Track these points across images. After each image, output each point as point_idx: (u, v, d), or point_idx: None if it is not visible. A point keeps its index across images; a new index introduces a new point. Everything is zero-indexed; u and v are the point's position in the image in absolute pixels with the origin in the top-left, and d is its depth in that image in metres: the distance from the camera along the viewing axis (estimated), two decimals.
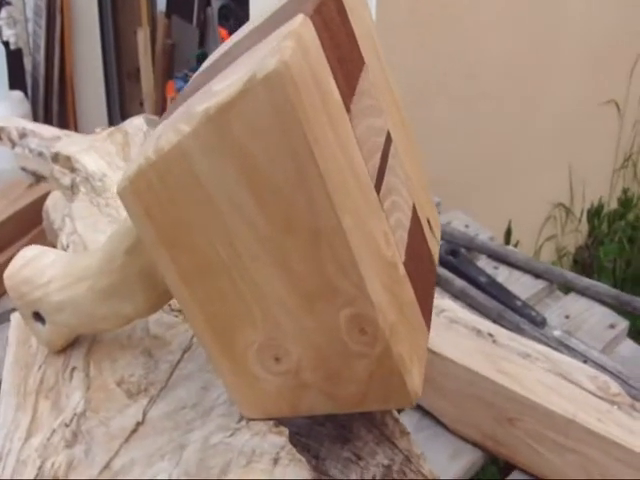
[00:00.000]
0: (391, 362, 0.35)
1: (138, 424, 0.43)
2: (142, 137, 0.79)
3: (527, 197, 1.82)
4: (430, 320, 0.40)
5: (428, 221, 0.45)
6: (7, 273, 0.48)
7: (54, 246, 0.76)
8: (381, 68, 0.42)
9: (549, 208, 1.93)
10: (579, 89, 1.72)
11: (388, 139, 0.39)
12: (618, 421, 0.75)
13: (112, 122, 2.24)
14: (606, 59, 1.73)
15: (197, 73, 0.44)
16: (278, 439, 0.39)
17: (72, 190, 0.76)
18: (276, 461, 0.38)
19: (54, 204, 0.79)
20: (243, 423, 0.41)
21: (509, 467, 0.81)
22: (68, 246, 0.64)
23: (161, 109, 2.49)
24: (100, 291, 0.44)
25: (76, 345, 0.51)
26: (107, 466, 0.41)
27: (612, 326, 1.07)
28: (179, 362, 0.46)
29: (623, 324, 1.08)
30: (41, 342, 0.50)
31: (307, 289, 0.33)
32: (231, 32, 2.03)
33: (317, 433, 0.43)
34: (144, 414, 0.43)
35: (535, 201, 1.88)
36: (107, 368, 0.48)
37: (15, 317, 0.57)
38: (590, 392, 0.78)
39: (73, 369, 0.49)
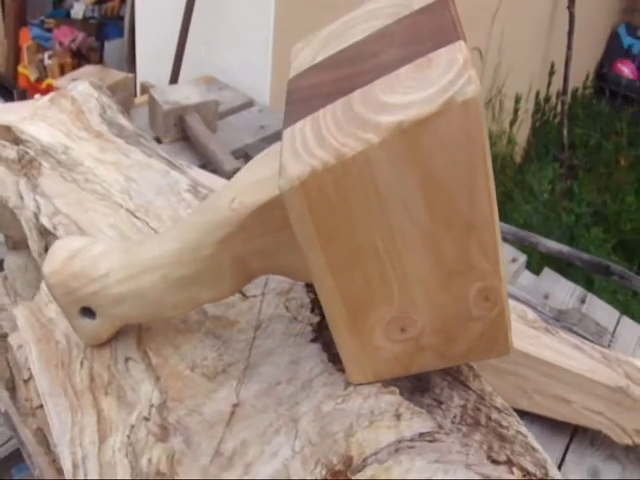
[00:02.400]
0: (502, 322, 0.38)
1: (235, 406, 0.41)
2: (95, 104, 0.72)
3: None
4: None
5: None
6: (49, 269, 0.43)
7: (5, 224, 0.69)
8: None
9: None
10: None
11: None
12: (546, 344, 0.84)
13: None
14: (471, 9, 1.81)
15: (310, 63, 0.40)
16: (392, 397, 0.40)
17: (21, 164, 0.68)
18: (398, 416, 0.39)
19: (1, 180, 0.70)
20: (351, 389, 0.41)
21: None
22: (56, 228, 0.58)
23: (14, 59, 2.23)
24: (177, 280, 0.41)
25: (120, 336, 0.47)
26: (218, 452, 0.39)
27: (514, 260, 1.17)
28: (254, 340, 0.45)
29: (522, 258, 1.19)
30: (84, 337, 0.46)
31: (449, 269, 0.36)
32: None
33: (397, 387, 0.44)
34: (237, 395, 0.42)
35: None
36: (172, 355, 0.45)
37: (23, 316, 0.51)
38: (514, 320, 0.86)
39: (127, 360, 0.46)
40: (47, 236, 0.59)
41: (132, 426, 0.42)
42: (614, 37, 3.43)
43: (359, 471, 0.37)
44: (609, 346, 1.03)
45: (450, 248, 0.35)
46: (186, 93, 1.19)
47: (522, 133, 2.61)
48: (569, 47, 2.19)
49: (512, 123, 2.45)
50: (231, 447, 0.40)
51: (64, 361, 0.47)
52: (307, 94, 0.36)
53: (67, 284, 0.43)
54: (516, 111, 2.44)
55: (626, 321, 1.09)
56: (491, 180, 0.33)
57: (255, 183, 0.39)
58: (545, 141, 2.75)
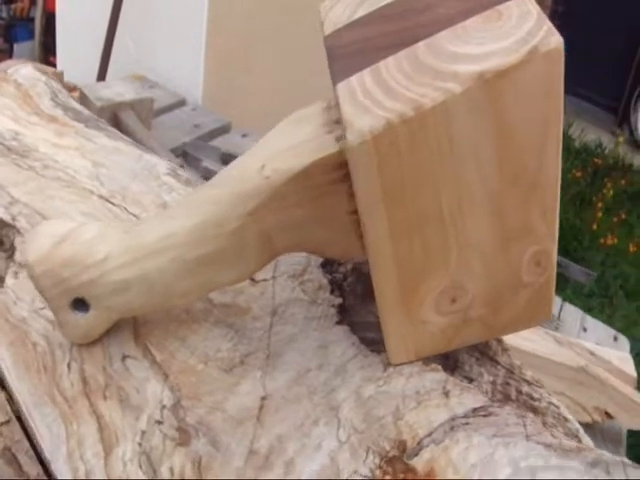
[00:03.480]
0: (548, 288, 0.37)
1: (263, 399, 0.36)
2: (44, 88, 0.64)
3: None
4: None
5: None
6: (34, 257, 0.36)
7: None
8: None
9: None
10: None
11: None
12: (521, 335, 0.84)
13: None
14: None
15: (350, 19, 0.36)
16: (436, 375, 0.37)
17: None
18: (447, 394, 0.36)
19: None
20: (391, 370, 0.37)
21: None
22: (15, 219, 0.50)
23: None
24: (192, 262, 0.35)
25: (111, 333, 0.40)
26: (252, 452, 0.34)
27: None
28: (272, 327, 0.39)
29: None
30: (73, 335, 0.39)
31: (508, 232, 0.33)
32: None
33: None
34: (264, 387, 0.36)
35: None
36: (178, 349, 0.39)
37: None
38: None
39: (124, 358, 0.39)
40: (3, 228, 0.51)
41: (143, 432, 0.36)
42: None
43: (415, 455, 0.33)
44: (557, 330, 1.05)
45: (513, 209, 0.33)
46: (118, 90, 1.11)
47: None
48: None
49: None
50: (266, 444, 0.34)
51: (46, 365, 0.40)
52: (356, 48, 0.33)
53: (57, 273, 0.36)
54: None
55: (568, 307, 1.11)
56: (560, 138, 0.31)
57: (289, 148, 0.34)
58: None
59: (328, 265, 0.43)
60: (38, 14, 1.94)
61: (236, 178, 0.34)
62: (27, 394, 0.39)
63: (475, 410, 0.36)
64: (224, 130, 1.30)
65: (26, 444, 0.47)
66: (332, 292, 0.41)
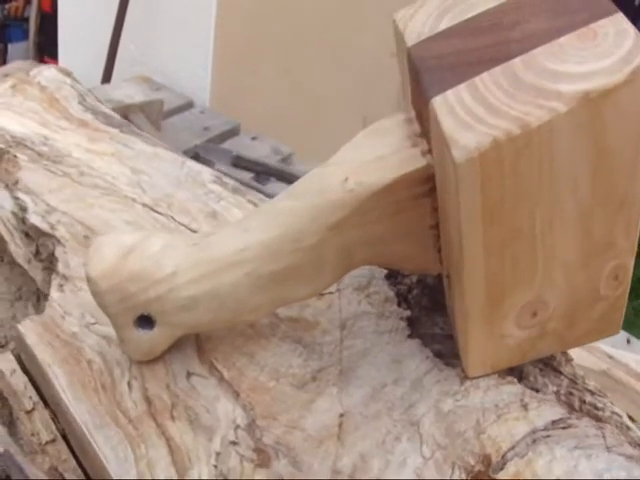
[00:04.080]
0: (622, 301, 0.36)
1: (342, 416, 0.34)
2: (71, 91, 0.61)
3: (327, 144, 1.85)
4: None
5: None
6: (98, 271, 0.33)
7: None
8: None
9: None
10: (373, 43, 1.78)
11: None
12: None
13: None
14: (393, 12, 1.81)
15: (433, 31, 0.34)
16: (513, 387, 0.36)
17: None
18: (525, 406, 0.35)
19: None
20: (468, 383, 0.36)
21: None
22: (54, 228, 0.47)
23: None
24: (266, 276, 0.33)
25: (172, 349, 0.38)
26: (336, 471, 0.32)
27: None
28: (342, 341, 0.38)
29: None
30: (135, 352, 0.37)
31: (593, 248, 0.33)
32: None
33: None
34: (341, 404, 0.35)
35: (334, 147, 1.92)
36: (246, 365, 0.37)
37: (34, 333, 0.41)
38: None
39: (189, 376, 0.37)
40: (40, 238, 0.49)
41: (217, 453, 0.34)
42: None
43: (501, 469, 0.32)
44: None
45: (599, 226, 0.32)
46: (127, 92, 1.08)
47: None
48: None
49: None
50: (349, 463, 0.33)
51: (105, 384, 0.38)
52: (447, 61, 0.31)
53: (123, 288, 0.34)
54: None
55: None
56: None
57: (373, 161, 0.32)
58: None
59: (392, 277, 0.41)
60: (33, 14, 1.89)
61: (316, 190, 0.32)
62: (87, 415, 0.37)
63: (554, 422, 0.35)
64: (233, 132, 1.27)
65: (73, 463, 0.45)
66: (399, 305, 0.40)
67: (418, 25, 0.33)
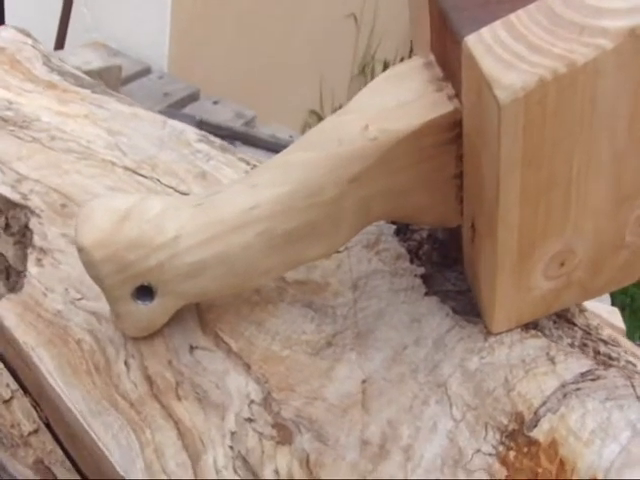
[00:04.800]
0: None
1: (364, 382, 0.31)
2: (33, 52, 0.55)
3: (286, 106, 1.81)
4: None
5: None
6: (91, 239, 0.29)
7: None
8: None
9: (305, 116, 1.95)
10: (328, 5, 1.73)
11: None
12: None
13: None
14: None
15: None
16: (538, 341, 0.34)
17: None
18: (552, 360, 0.33)
19: None
20: (492, 339, 0.33)
21: None
22: (27, 198, 0.42)
23: None
24: (281, 235, 0.30)
25: (171, 322, 0.34)
26: (364, 442, 0.29)
27: None
28: (356, 302, 0.34)
29: None
30: (132, 327, 0.33)
31: (622, 195, 0.31)
32: None
33: None
34: (362, 369, 0.32)
35: (293, 109, 1.87)
36: (255, 335, 0.34)
37: (14, 313, 0.37)
38: None
39: (192, 350, 0.34)
40: (10, 210, 0.44)
41: (232, 433, 0.30)
42: None
43: (534, 426, 0.30)
44: None
45: (630, 171, 0.30)
46: (84, 58, 1.01)
47: None
48: None
49: None
50: (377, 432, 0.30)
51: (98, 365, 0.34)
52: (473, 0, 0.28)
53: (121, 257, 0.30)
54: None
55: None
56: None
57: (396, 107, 0.29)
58: None
59: (402, 233, 0.38)
60: None
61: (333, 140, 0.29)
62: (81, 401, 0.33)
63: (583, 375, 0.33)
64: (193, 98, 1.22)
65: (59, 453, 0.41)
66: (412, 261, 0.37)
67: None
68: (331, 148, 0.29)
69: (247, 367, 0.33)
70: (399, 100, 0.29)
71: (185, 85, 1.21)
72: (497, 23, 0.27)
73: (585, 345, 0.39)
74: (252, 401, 0.31)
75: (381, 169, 0.29)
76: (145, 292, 0.32)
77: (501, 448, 0.30)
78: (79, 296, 0.37)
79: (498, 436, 0.30)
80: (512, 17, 0.27)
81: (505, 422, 0.31)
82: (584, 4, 0.26)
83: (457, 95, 0.29)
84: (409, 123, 0.29)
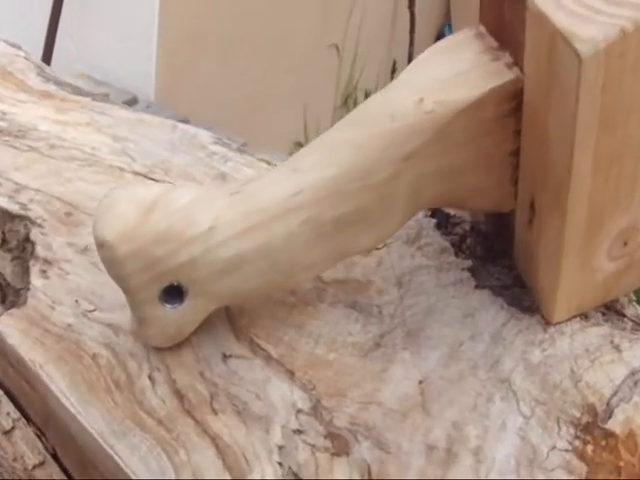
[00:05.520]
0: None
1: (422, 383, 0.28)
2: (26, 63, 0.52)
3: (271, 136, 1.79)
4: None
5: None
6: (117, 233, 0.25)
7: None
8: None
9: (290, 147, 1.94)
10: (310, 33, 1.73)
11: None
12: None
13: None
14: (329, 5, 1.76)
15: None
16: (600, 329, 0.31)
17: None
18: (617, 347, 0.30)
19: None
20: (552, 330, 0.31)
21: None
22: (27, 208, 0.39)
23: None
24: (329, 223, 0.27)
25: (198, 330, 0.31)
26: (430, 447, 0.26)
27: None
28: (402, 300, 0.31)
29: None
30: (159, 335, 0.29)
31: None
32: None
33: None
34: (419, 369, 0.28)
35: (277, 139, 1.86)
36: (296, 339, 0.30)
37: (17, 329, 0.32)
38: None
39: (226, 359, 0.30)
40: (7, 222, 0.40)
41: (280, 447, 0.27)
42: (440, 37, 3.62)
43: (609, 418, 0.28)
44: None
45: None
46: None
47: None
48: (411, 44, 2.24)
49: None
50: (442, 435, 0.27)
51: (118, 381, 0.30)
52: None
53: (148, 252, 0.26)
54: None
55: None
56: None
57: (450, 78, 0.27)
58: None
59: (443, 227, 0.35)
60: None
61: (384, 116, 0.26)
62: (100, 421, 0.29)
63: None
64: None
65: None
66: (457, 255, 0.34)
67: None
68: (382, 124, 0.26)
69: (290, 374, 0.29)
70: (454, 71, 0.27)
71: (173, 113, 1.19)
72: None
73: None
74: (299, 410, 0.28)
75: (438, 145, 0.27)
76: (174, 293, 0.28)
77: (577, 443, 0.27)
78: (91, 307, 0.34)
79: (572, 430, 0.27)
80: None
81: (578, 415, 0.28)
82: None
83: (516, 63, 0.27)
84: (468, 93, 0.27)
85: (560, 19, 0.24)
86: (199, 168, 0.40)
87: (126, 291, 0.28)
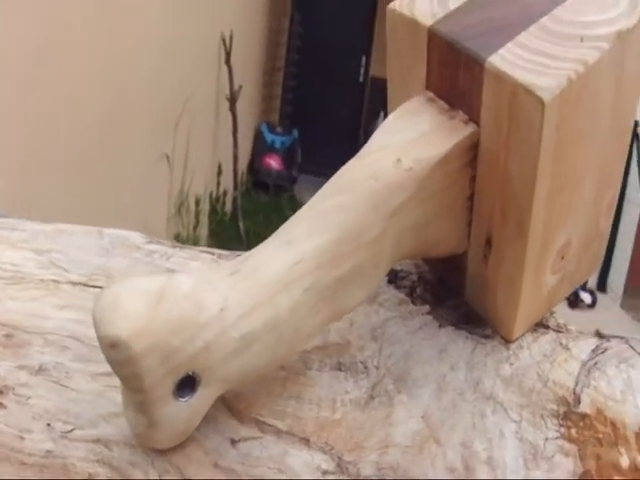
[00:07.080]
0: (607, 233, 0.39)
1: (424, 417, 0.31)
2: None
3: None
4: None
5: None
6: (133, 329, 0.25)
7: None
8: None
9: None
10: (141, 146, 1.74)
11: None
12: None
13: None
14: (158, 117, 1.80)
15: (447, 10, 0.34)
16: (548, 336, 0.36)
17: None
18: (566, 347, 0.36)
19: None
20: (513, 346, 0.35)
21: None
22: None
23: None
24: (329, 287, 0.29)
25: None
26: (450, 469, 0.29)
27: None
28: (380, 352, 0.33)
29: None
30: (169, 435, 0.28)
31: (603, 182, 0.35)
32: None
33: None
34: (417, 407, 0.31)
35: None
36: (298, 408, 0.31)
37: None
38: None
39: (235, 444, 0.29)
40: None
41: None
42: (259, 135, 3.78)
43: (579, 403, 0.33)
44: None
45: (610, 158, 0.35)
46: None
47: (202, 234, 2.64)
48: (235, 145, 2.33)
49: (195, 227, 2.46)
50: (457, 456, 0.30)
51: None
52: (481, 29, 0.32)
53: (166, 344, 0.25)
54: (197, 214, 2.47)
55: None
56: None
57: (418, 138, 0.32)
58: (223, 238, 2.84)
59: (393, 282, 0.39)
60: None
61: (367, 179, 0.29)
62: None
63: (594, 350, 0.37)
64: None
65: None
66: (414, 303, 0.37)
67: (426, 7, 0.34)
68: (367, 186, 0.29)
69: (306, 441, 0.29)
70: (419, 132, 0.32)
71: None
72: (510, 44, 0.31)
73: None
74: (325, 471, 0.28)
75: (416, 200, 0.31)
76: (186, 385, 0.27)
77: (563, 430, 0.32)
78: (69, 427, 0.31)
79: (555, 421, 0.33)
80: (520, 38, 0.32)
81: (555, 408, 0.33)
82: (573, 21, 0.32)
83: (471, 119, 0.33)
84: (438, 150, 0.31)
85: (519, 74, 0.30)
86: (142, 269, 0.39)
87: (139, 390, 0.26)
